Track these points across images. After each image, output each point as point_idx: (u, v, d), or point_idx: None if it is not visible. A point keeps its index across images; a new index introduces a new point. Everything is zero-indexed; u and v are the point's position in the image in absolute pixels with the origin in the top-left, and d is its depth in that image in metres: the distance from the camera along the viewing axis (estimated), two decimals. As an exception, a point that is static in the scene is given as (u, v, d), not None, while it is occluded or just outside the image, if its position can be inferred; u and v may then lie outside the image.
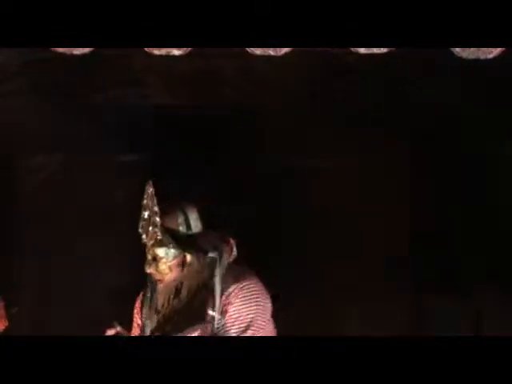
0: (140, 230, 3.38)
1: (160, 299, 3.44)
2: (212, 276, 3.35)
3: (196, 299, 3.36)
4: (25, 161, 4.86)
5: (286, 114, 4.42)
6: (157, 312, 3.44)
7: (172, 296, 3.40)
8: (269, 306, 3.42)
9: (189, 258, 3.40)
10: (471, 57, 3.02)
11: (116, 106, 4.29)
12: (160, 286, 3.44)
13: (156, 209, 3.32)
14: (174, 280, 3.40)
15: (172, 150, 4.57)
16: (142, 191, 3.34)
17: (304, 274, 4.63)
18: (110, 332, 3.32)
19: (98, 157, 4.73)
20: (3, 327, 3.94)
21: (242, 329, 3.33)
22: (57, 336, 3.37)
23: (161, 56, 3.07)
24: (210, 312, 3.32)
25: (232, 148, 4.58)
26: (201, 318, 3.32)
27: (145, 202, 3.37)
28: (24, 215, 4.60)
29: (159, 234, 3.33)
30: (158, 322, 3.41)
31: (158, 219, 3.33)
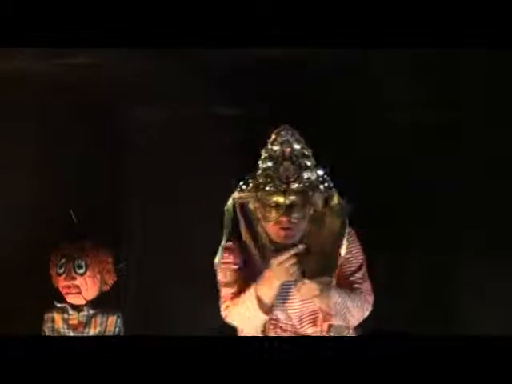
0: (262, 180, 3.25)
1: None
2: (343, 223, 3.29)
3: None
4: (129, 112, 4.89)
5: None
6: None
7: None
8: None
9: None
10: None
11: (220, 58, 4.26)
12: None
13: (307, 152, 3.24)
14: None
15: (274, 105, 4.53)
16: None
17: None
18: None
19: (202, 110, 4.73)
20: (112, 281, 4.07)
21: (358, 265, 3.37)
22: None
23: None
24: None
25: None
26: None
27: (278, 147, 3.23)
28: (131, 171, 4.65)
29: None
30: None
31: (308, 161, 3.23)
